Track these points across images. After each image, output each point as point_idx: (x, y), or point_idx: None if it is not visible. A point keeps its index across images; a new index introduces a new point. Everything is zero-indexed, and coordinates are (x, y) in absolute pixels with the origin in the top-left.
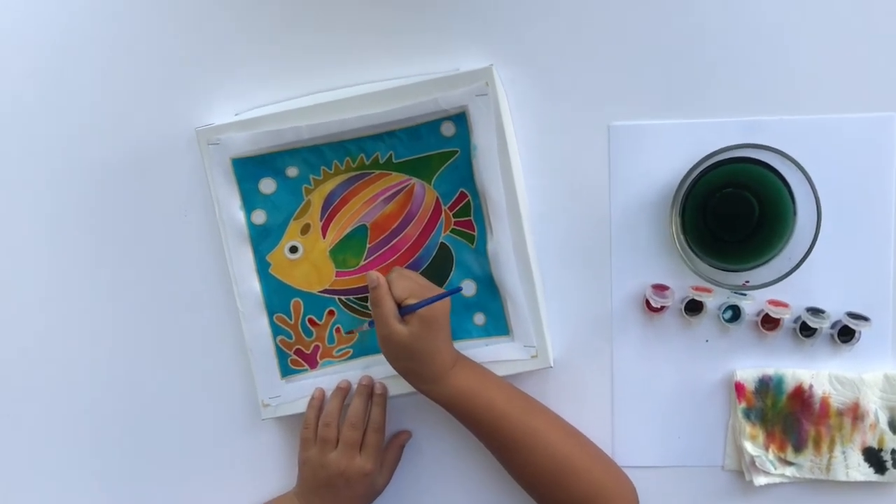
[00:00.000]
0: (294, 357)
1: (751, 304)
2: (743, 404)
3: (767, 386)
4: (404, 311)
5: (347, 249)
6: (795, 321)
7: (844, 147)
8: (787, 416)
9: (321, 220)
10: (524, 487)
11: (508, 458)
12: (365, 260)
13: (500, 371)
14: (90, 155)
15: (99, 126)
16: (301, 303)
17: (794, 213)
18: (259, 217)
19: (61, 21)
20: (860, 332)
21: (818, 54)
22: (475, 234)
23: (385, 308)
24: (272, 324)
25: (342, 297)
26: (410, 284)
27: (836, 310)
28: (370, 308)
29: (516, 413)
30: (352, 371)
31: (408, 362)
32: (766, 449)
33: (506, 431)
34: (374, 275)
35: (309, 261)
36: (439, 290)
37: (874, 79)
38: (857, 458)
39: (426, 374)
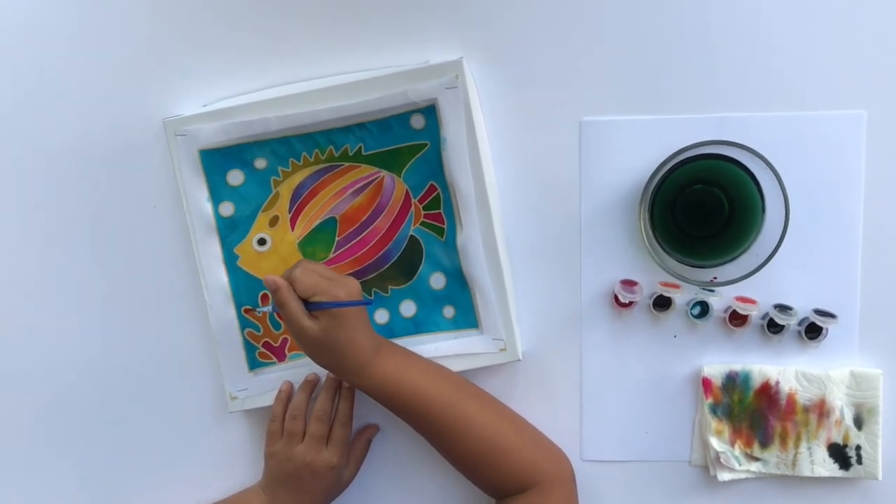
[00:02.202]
0: (262, 350)
1: (719, 301)
2: (710, 400)
3: (734, 382)
4: (312, 307)
5: (316, 242)
6: (763, 318)
7: (814, 144)
8: (754, 412)
9: (290, 213)
10: (460, 471)
11: (439, 443)
12: (334, 252)
13: (469, 364)
14: (57, 146)
15: (66, 117)
16: (269, 295)
17: (763, 209)
18: (227, 209)
19: (26, 11)
20: (827, 329)
21: (788, 52)
22: (445, 226)
23: (290, 308)
24: (240, 316)
25: None
26: (315, 279)
27: (803, 307)
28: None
29: (444, 398)
30: None
31: (325, 356)
32: (732, 444)
33: (433, 417)
34: (271, 279)
35: (277, 253)
36: (346, 280)
37: (844, 76)
38: (822, 454)
39: (345, 366)
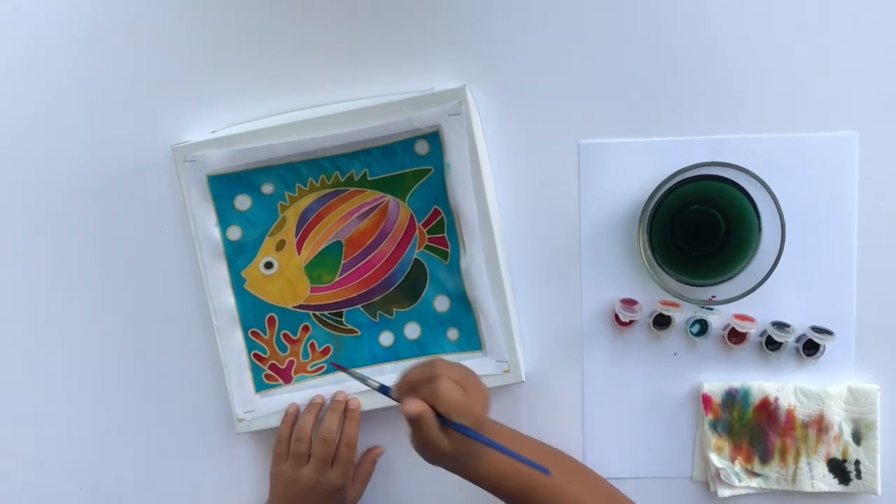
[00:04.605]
0: (268, 372)
1: (717, 319)
2: (710, 416)
3: (734, 398)
4: (449, 425)
5: (322, 265)
6: (761, 335)
7: (807, 165)
8: (754, 428)
9: (296, 237)
10: None
11: None
12: (340, 275)
13: None
14: (67, 171)
15: (76, 143)
16: (276, 318)
17: (759, 229)
18: (234, 233)
19: (38, 40)
20: (824, 346)
21: (782, 74)
22: (448, 250)
23: (428, 432)
24: (247, 339)
25: (317, 313)
26: (458, 398)
27: (800, 324)
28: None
29: (548, 483)
30: (326, 386)
31: (445, 462)
32: (733, 460)
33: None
34: (415, 410)
35: (284, 277)
36: (480, 391)
37: (836, 98)
38: (821, 469)
39: (460, 468)
